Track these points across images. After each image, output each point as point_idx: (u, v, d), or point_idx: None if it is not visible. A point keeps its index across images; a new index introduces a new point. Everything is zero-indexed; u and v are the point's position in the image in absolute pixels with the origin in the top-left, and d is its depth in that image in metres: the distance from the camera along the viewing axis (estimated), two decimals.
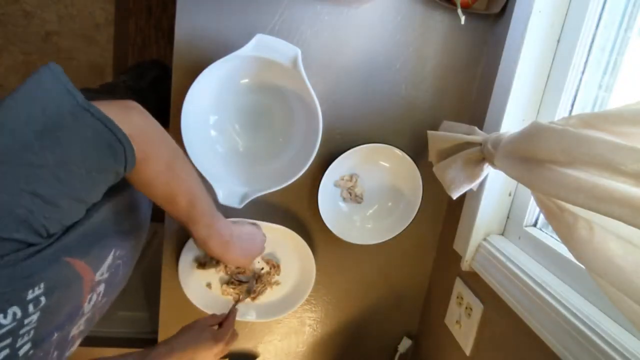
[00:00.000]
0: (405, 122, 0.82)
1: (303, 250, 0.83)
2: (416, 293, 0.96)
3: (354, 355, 0.99)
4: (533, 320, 0.59)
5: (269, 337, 0.93)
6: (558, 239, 0.62)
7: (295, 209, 0.84)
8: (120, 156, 0.43)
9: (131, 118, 0.46)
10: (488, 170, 0.65)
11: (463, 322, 0.78)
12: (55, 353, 0.45)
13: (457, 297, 0.81)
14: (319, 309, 0.93)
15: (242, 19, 0.72)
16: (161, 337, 0.88)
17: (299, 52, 0.66)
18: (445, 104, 0.82)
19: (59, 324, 0.43)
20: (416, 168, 0.79)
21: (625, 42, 0.60)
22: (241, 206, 0.73)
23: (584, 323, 0.51)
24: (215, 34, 0.72)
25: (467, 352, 0.76)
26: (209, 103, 0.73)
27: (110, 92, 1.08)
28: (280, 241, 0.84)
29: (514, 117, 0.69)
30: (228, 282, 0.85)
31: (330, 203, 0.82)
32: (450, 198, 0.72)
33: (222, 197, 0.71)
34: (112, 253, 0.54)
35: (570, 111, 0.66)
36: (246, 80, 0.74)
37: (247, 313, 0.85)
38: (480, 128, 0.71)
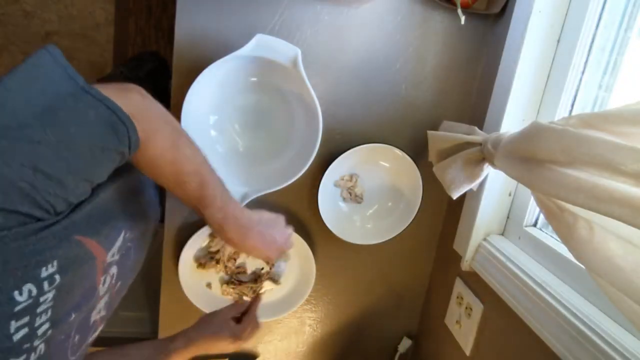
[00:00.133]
0: (405, 122, 0.82)
1: (303, 250, 0.83)
2: (416, 293, 0.96)
3: (354, 355, 0.99)
4: (533, 320, 0.59)
5: (269, 337, 0.93)
6: (558, 239, 0.62)
7: (295, 209, 0.84)
8: (124, 136, 0.43)
9: (131, 98, 0.46)
10: (488, 170, 0.65)
11: (463, 322, 0.78)
12: (77, 337, 0.46)
13: (457, 297, 0.81)
14: (319, 309, 0.93)
15: (242, 19, 0.72)
16: (161, 337, 0.88)
17: (299, 52, 0.66)
18: (445, 104, 0.82)
19: (76, 305, 0.44)
20: (416, 168, 0.80)
21: (625, 42, 0.60)
22: (241, 206, 0.73)
23: (584, 323, 0.51)
24: (215, 34, 0.72)
25: (467, 352, 0.76)
26: (209, 103, 0.73)
27: (107, 82, 1.09)
28: None
29: (514, 117, 0.69)
30: (228, 282, 0.85)
31: (330, 203, 0.82)
32: (450, 198, 0.72)
33: None
34: (122, 235, 0.54)
35: (570, 111, 0.66)
36: (246, 80, 0.74)
37: None
38: (480, 128, 0.71)
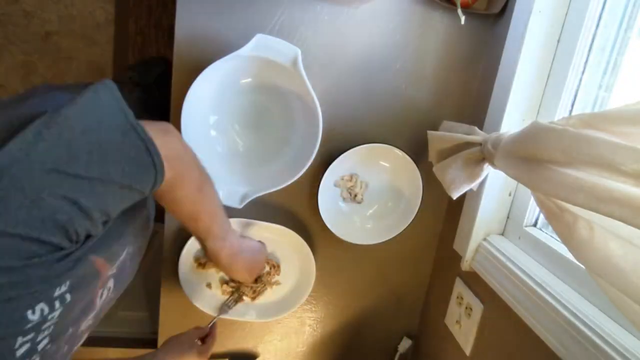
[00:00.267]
0: (405, 122, 0.82)
1: (303, 250, 0.83)
2: (416, 293, 0.96)
3: (354, 355, 0.99)
4: (533, 320, 0.59)
5: (269, 337, 0.93)
6: (558, 239, 0.62)
7: (295, 209, 0.84)
8: (151, 179, 0.46)
9: (170, 142, 0.50)
10: (488, 170, 0.65)
11: (463, 322, 0.78)
12: (66, 347, 0.47)
13: (457, 297, 0.81)
14: (319, 309, 0.93)
15: (242, 19, 0.72)
16: (161, 337, 0.88)
17: (299, 52, 0.66)
18: (445, 104, 0.82)
19: (75, 319, 0.45)
20: (416, 168, 0.79)
21: (625, 42, 0.60)
22: (241, 206, 0.73)
23: (584, 323, 0.51)
24: (215, 34, 0.72)
25: (467, 352, 0.76)
26: (209, 103, 0.73)
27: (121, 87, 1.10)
28: (280, 241, 0.84)
29: (514, 117, 0.69)
30: (228, 282, 0.85)
31: (330, 203, 0.82)
32: (450, 198, 0.72)
33: (222, 197, 0.71)
34: (126, 250, 0.55)
35: (570, 111, 0.66)
36: (246, 80, 0.74)
37: (247, 313, 0.85)
38: (480, 128, 0.71)
